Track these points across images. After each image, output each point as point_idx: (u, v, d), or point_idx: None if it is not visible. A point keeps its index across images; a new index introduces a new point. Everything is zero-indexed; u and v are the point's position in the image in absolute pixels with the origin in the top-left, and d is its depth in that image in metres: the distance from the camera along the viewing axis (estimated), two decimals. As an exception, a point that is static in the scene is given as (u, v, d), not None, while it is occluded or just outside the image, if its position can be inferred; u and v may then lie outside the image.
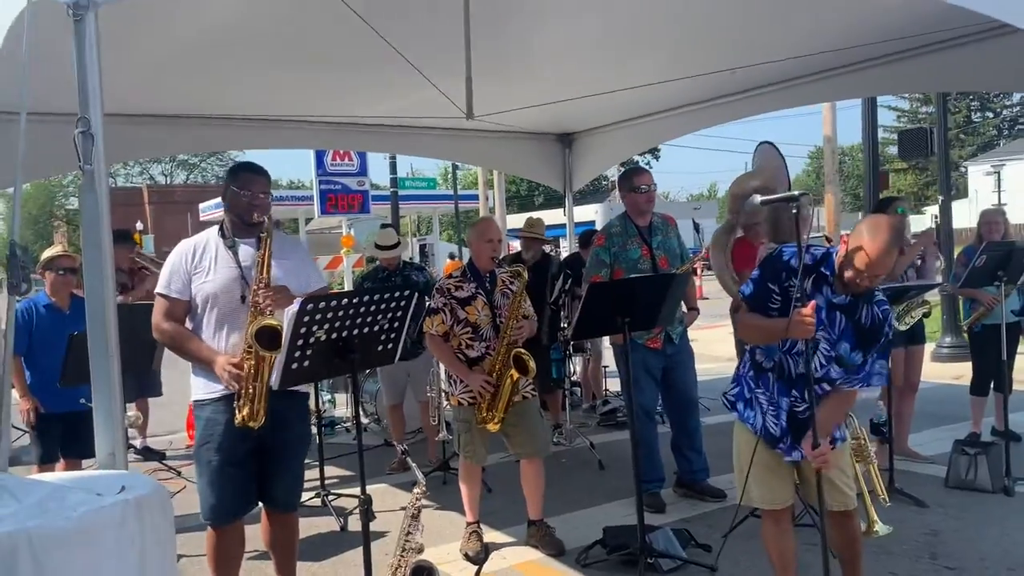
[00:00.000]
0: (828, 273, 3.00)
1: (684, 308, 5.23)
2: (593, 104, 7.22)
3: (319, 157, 18.08)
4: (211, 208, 27.90)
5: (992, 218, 6.11)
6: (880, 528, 3.51)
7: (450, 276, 4.52)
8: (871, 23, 5.32)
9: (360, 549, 4.41)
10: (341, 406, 8.00)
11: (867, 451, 3.84)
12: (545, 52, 5.88)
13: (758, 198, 3.00)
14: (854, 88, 7.23)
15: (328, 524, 4.97)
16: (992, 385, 5.98)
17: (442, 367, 5.18)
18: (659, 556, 3.96)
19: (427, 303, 4.51)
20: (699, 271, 19.61)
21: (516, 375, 4.19)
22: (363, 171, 18.99)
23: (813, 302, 2.91)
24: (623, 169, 6.98)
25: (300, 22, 4.63)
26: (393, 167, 19.23)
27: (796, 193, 2.93)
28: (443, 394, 6.34)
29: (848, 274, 2.91)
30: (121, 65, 4.92)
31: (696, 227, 28.26)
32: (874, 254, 2.82)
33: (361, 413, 7.30)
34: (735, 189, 6.81)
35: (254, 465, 3.34)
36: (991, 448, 5.12)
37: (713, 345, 11.70)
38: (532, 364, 4.19)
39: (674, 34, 5.60)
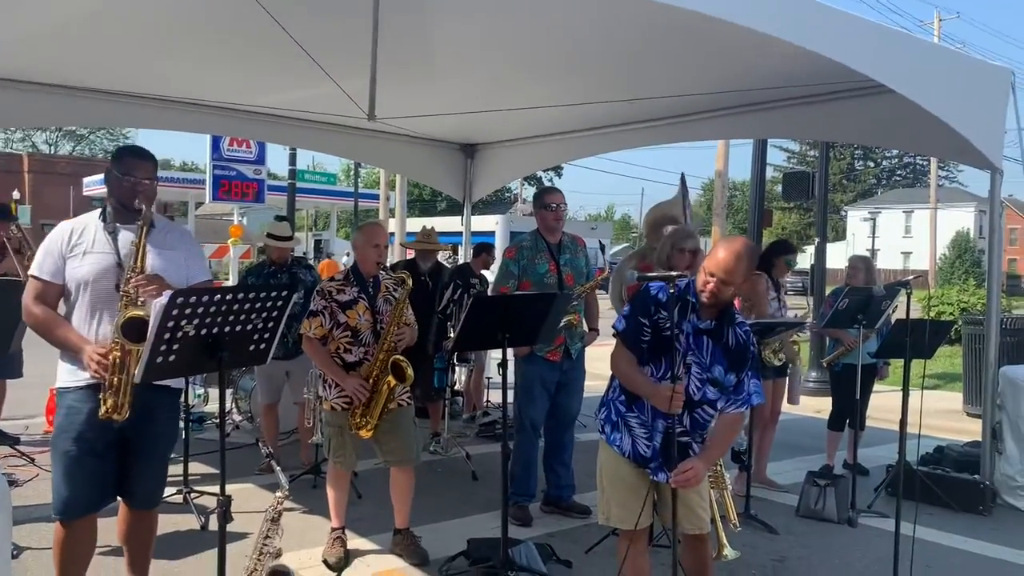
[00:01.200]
0: (692, 299, 3.14)
1: (586, 327, 5.35)
2: (497, 118, 7.32)
3: (215, 141, 17.48)
4: (96, 183, 26.51)
5: (855, 265, 6.50)
6: (729, 552, 3.66)
7: (332, 279, 4.45)
8: (765, 70, 5.60)
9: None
10: (213, 401, 7.78)
11: (722, 478, 4.02)
12: (452, 63, 5.92)
13: (635, 274, 3.15)
14: (745, 129, 7.60)
15: (188, 522, 4.83)
16: (848, 421, 6.34)
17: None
18: (520, 570, 4.02)
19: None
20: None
21: (393, 382, 4.18)
22: (261, 159, 18.47)
23: (682, 383, 3.04)
24: (526, 183, 7.11)
25: (199, 1, 4.50)
26: (293, 158, 18.74)
27: (674, 274, 3.08)
28: (319, 398, 6.27)
29: (701, 279, 3.08)
30: (5, 26, 4.69)
31: (601, 247, 28.97)
32: (725, 260, 3.02)
33: (235, 410, 7.18)
34: (651, 217, 7.06)
35: (114, 458, 3.22)
36: (840, 481, 5.43)
37: (596, 363, 11.93)
38: (410, 371, 4.19)
39: (579, 60, 5.75)
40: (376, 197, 29.11)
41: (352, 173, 35.43)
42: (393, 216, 25.49)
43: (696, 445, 3.26)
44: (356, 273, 4.39)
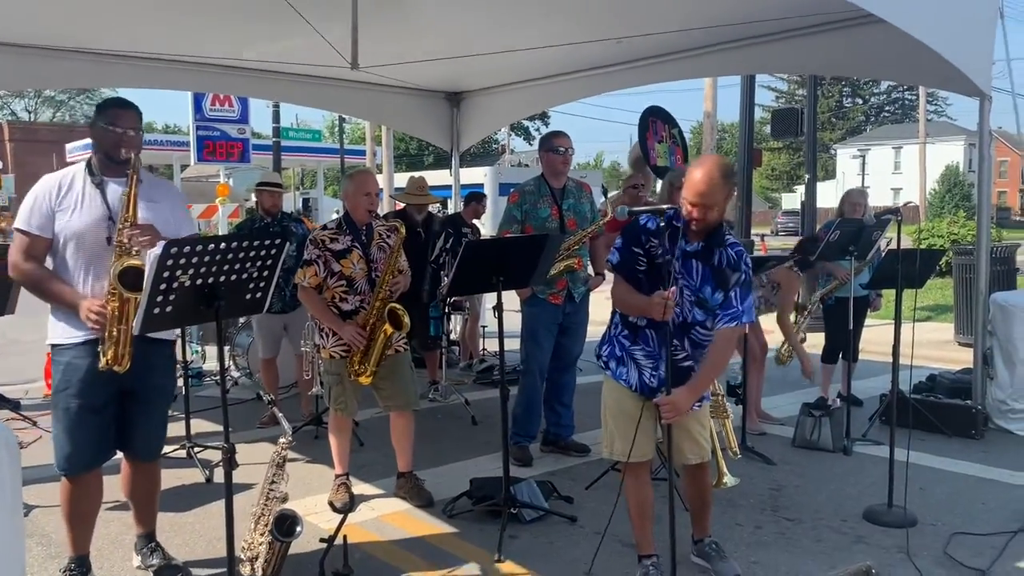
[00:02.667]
0: (680, 224, 3.14)
1: (592, 271, 5.36)
2: (483, 63, 7.23)
3: (197, 101, 17.30)
4: (79, 149, 26.26)
5: (856, 199, 6.46)
6: (728, 480, 3.73)
7: (325, 227, 4.44)
8: (754, 2, 5.53)
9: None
10: (212, 359, 7.80)
11: (724, 408, 4.07)
12: (436, 6, 5.83)
13: (626, 209, 3.15)
14: (733, 65, 7.53)
15: (193, 476, 4.88)
16: (841, 354, 6.40)
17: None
18: (522, 507, 4.09)
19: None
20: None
21: (390, 330, 4.20)
22: (244, 118, 18.30)
23: (674, 288, 3.03)
24: (513, 134, 7.09)
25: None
26: (276, 116, 18.53)
27: (664, 207, 3.11)
28: (317, 348, 6.30)
29: (684, 208, 3.08)
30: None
31: (604, 191, 29.44)
32: (700, 184, 3.02)
33: (232, 366, 7.20)
34: (634, 154, 7.18)
35: (114, 412, 3.25)
36: (834, 411, 5.50)
37: (597, 309, 11.98)
38: (407, 319, 4.21)
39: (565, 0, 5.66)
40: (363, 153, 28.85)
41: (337, 129, 34.95)
42: (380, 171, 25.34)
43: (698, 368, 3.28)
44: (349, 222, 4.37)
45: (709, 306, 3.19)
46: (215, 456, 5.15)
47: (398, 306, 4.23)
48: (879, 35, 5.47)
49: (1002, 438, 5.62)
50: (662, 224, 3.07)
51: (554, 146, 5.17)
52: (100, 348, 3.08)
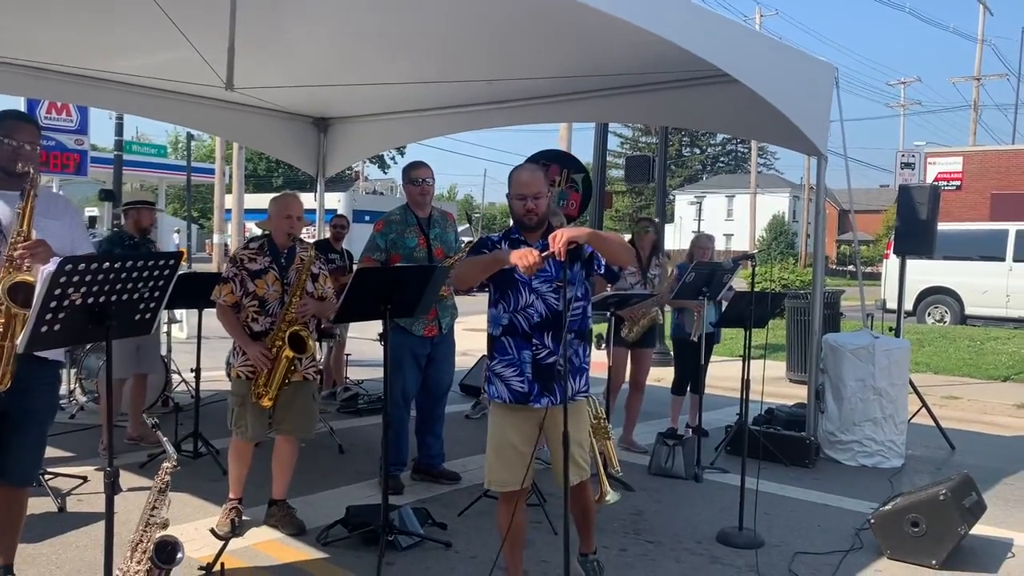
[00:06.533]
0: (516, 235, 3.46)
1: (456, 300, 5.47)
2: (353, 92, 7.30)
3: (31, 108, 16.30)
4: None
5: (704, 244, 6.96)
6: (611, 497, 3.86)
7: (247, 246, 4.44)
8: (619, 56, 5.90)
9: (82, 529, 4.22)
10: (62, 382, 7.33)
11: (605, 429, 4.30)
12: (310, 32, 5.85)
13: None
14: (596, 112, 7.98)
15: (43, 505, 4.58)
16: (689, 387, 6.83)
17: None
18: (398, 533, 4.13)
19: None
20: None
21: (291, 353, 4.18)
22: (83, 129, 17.34)
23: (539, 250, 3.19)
24: (367, 161, 7.09)
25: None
26: (120, 128, 17.61)
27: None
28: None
29: (520, 211, 3.41)
30: None
31: (469, 218, 30.22)
32: (522, 178, 3.42)
33: (79, 390, 6.82)
34: None
35: None
36: (686, 441, 5.87)
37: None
38: (311, 342, 4.25)
39: (436, 39, 5.84)
40: (209, 171, 27.87)
41: (180, 145, 33.56)
42: (230, 192, 24.55)
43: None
44: (270, 243, 4.39)
45: (577, 280, 3.41)
46: (65, 484, 4.89)
47: (302, 328, 4.23)
48: (729, 94, 5.95)
49: (832, 467, 6.16)
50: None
51: (413, 178, 5.27)
52: None
